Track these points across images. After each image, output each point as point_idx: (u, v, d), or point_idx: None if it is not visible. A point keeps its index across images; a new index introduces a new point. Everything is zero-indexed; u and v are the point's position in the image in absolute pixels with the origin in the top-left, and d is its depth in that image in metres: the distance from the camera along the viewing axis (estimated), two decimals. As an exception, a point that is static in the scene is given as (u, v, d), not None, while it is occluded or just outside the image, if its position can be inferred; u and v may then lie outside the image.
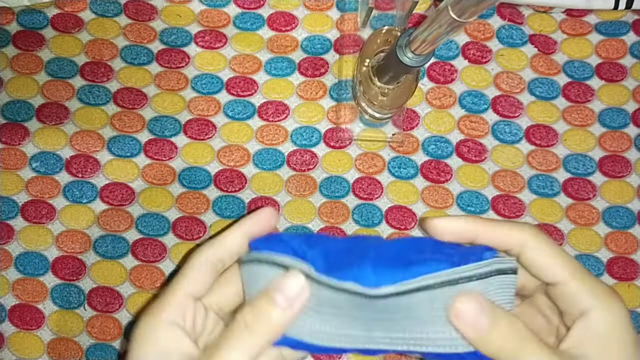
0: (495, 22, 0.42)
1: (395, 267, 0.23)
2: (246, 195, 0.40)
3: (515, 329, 0.23)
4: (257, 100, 0.41)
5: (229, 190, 0.40)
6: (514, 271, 0.24)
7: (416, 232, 0.40)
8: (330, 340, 0.24)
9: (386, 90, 0.35)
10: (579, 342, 0.23)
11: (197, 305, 0.25)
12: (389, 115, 0.38)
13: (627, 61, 0.41)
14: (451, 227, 0.26)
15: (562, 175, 0.40)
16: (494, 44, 0.42)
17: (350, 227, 0.40)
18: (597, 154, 0.41)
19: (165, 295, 0.25)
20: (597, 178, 0.40)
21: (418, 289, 0.23)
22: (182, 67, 0.41)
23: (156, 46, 0.41)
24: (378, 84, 0.35)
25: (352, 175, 0.40)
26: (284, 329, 0.23)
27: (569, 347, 0.24)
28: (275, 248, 0.25)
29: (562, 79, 0.41)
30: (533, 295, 0.27)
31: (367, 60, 0.35)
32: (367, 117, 0.38)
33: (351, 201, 0.40)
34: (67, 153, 0.40)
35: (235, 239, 0.26)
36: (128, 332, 0.39)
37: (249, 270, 0.25)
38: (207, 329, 0.26)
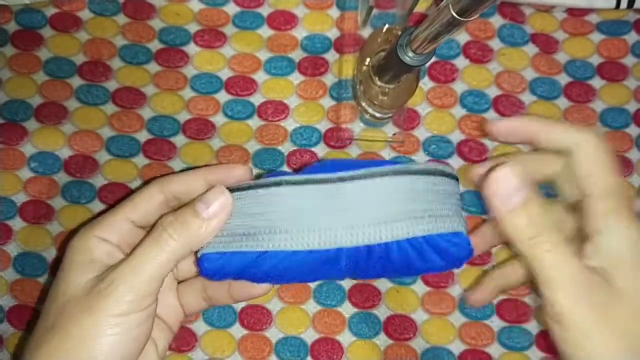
0: (497, 21, 0.41)
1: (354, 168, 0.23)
2: (246, 196, 0.40)
3: (542, 218, 0.23)
4: (256, 99, 0.41)
5: (228, 191, 0.40)
6: (456, 178, 0.24)
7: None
8: (275, 242, 0.23)
9: (387, 90, 0.35)
10: (596, 258, 0.23)
11: (136, 230, 0.25)
12: (390, 114, 0.37)
13: (629, 61, 0.41)
14: (513, 125, 0.26)
15: (563, 176, 0.40)
16: (495, 43, 0.41)
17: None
18: (599, 153, 0.41)
19: (108, 215, 0.25)
20: (599, 178, 0.40)
21: (370, 175, 0.23)
22: (181, 66, 0.41)
23: (155, 45, 0.41)
24: (378, 83, 0.34)
25: (352, 176, 0.40)
26: (201, 241, 0.23)
27: (588, 260, 0.23)
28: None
29: (563, 79, 0.41)
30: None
31: (368, 60, 0.35)
32: (367, 116, 0.38)
33: (351, 201, 0.40)
34: (65, 153, 0.40)
35: (199, 181, 0.26)
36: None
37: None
38: None
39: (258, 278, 0.24)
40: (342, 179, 0.23)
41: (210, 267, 0.24)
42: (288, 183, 0.23)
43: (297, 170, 0.26)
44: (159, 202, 0.26)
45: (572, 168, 0.24)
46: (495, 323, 0.39)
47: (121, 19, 0.41)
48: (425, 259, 0.23)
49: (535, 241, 0.23)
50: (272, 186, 0.23)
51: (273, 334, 0.39)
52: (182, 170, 0.34)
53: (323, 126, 0.41)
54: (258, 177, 0.29)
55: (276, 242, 0.22)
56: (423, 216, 0.23)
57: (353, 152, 0.40)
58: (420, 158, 0.40)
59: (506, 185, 0.22)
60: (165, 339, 0.28)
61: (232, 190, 0.24)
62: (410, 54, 0.29)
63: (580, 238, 0.25)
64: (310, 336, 0.39)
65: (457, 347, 0.38)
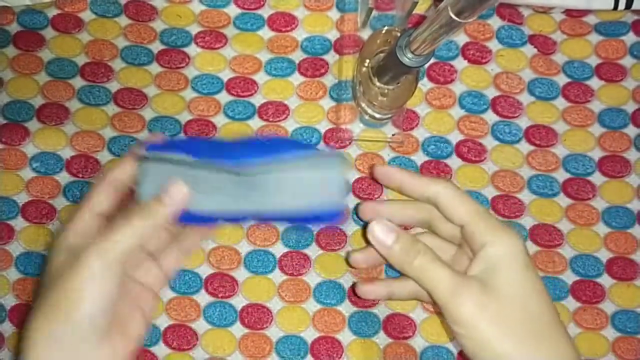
0: (495, 22, 0.42)
1: (255, 152, 0.30)
2: (246, 196, 0.40)
3: (414, 246, 0.30)
4: (257, 100, 0.41)
5: (229, 191, 0.40)
6: (342, 158, 0.32)
7: (417, 232, 0.40)
8: (206, 206, 0.31)
9: (386, 91, 0.35)
10: (476, 268, 0.29)
11: (101, 218, 0.31)
12: (389, 115, 0.38)
13: (627, 61, 0.41)
14: (389, 172, 0.34)
15: (561, 176, 0.41)
16: (493, 45, 0.42)
17: (350, 227, 0.40)
18: (597, 154, 0.41)
19: (75, 214, 0.31)
20: (597, 178, 0.41)
21: (279, 170, 0.30)
22: (182, 67, 0.41)
23: (156, 46, 0.41)
24: (378, 84, 0.35)
25: (352, 176, 0.40)
26: (166, 219, 0.30)
27: (469, 272, 0.30)
28: (166, 149, 0.31)
29: (561, 79, 0.41)
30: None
31: (367, 61, 0.35)
32: (367, 117, 0.38)
33: (351, 201, 0.40)
34: (67, 153, 0.40)
35: (133, 165, 0.32)
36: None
37: (144, 168, 0.31)
38: None
39: (204, 220, 0.32)
40: (259, 172, 0.30)
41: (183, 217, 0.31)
42: (218, 171, 0.30)
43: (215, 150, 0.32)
44: (110, 190, 0.32)
45: (441, 209, 0.31)
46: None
47: (123, 20, 0.41)
48: (307, 220, 0.33)
49: (414, 263, 0.30)
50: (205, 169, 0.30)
51: (273, 332, 0.39)
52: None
53: (323, 127, 0.41)
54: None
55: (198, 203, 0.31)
56: (315, 202, 0.31)
57: (353, 152, 0.40)
58: (420, 158, 0.40)
59: (379, 233, 0.31)
60: (150, 303, 0.32)
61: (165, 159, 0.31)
62: (410, 55, 0.29)
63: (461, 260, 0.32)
64: (310, 335, 0.39)
65: (456, 346, 0.39)
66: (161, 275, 0.33)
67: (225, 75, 0.41)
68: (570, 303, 0.39)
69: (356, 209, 0.35)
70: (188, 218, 0.31)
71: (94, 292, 0.27)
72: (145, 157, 0.31)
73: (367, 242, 0.32)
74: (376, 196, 0.40)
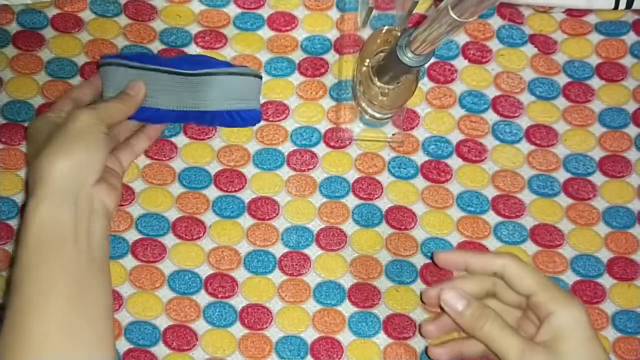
0: (496, 22, 0.42)
1: (193, 65, 0.38)
2: (246, 195, 0.40)
3: (484, 312, 0.33)
4: (257, 100, 0.41)
5: (228, 190, 0.40)
6: (259, 76, 0.40)
7: (417, 232, 0.40)
8: (157, 103, 0.38)
9: (386, 90, 0.35)
10: (543, 336, 0.31)
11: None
12: (389, 115, 0.38)
13: (627, 61, 0.41)
14: (450, 258, 0.36)
15: (562, 175, 0.40)
16: (494, 44, 0.42)
17: (350, 227, 0.40)
18: (597, 154, 0.41)
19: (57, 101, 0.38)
20: (597, 178, 0.40)
21: (212, 74, 0.38)
22: (182, 67, 0.41)
23: (156, 46, 0.41)
24: (378, 84, 0.35)
25: (352, 175, 0.40)
26: (134, 107, 0.37)
27: (536, 339, 0.32)
28: (123, 58, 0.38)
29: (562, 79, 0.41)
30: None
31: (367, 60, 0.35)
32: (367, 117, 0.38)
33: (351, 201, 0.40)
34: (67, 153, 0.40)
35: (92, 86, 0.39)
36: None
37: (105, 71, 0.38)
38: None
39: (156, 116, 0.39)
40: (197, 75, 0.38)
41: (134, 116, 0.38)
42: (167, 72, 0.38)
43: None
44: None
45: (507, 281, 0.33)
46: (495, 322, 0.39)
47: (123, 19, 0.41)
48: (234, 120, 0.39)
49: (484, 328, 0.32)
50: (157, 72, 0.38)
51: (273, 333, 0.39)
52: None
53: (323, 126, 0.41)
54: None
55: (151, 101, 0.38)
56: (239, 101, 0.39)
57: (353, 152, 0.40)
58: (420, 158, 0.40)
59: (451, 299, 0.33)
60: (114, 196, 0.35)
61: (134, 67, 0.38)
62: (410, 55, 0.29)
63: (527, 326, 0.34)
64: (310, 335, 0.39)
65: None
66: (120, 165, 0.38)
67: (225, 75, 0.41)
68: (571, 303, 0.39)
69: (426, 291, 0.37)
70: (143, 112, 0.38)
71: (88, 139, 0.32)
72: (106, 63, 0.37)
73: (441, 309, 0.34)
74: (376, 196, 0.40)
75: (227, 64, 0.40)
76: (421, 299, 0.39)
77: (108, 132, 0.34)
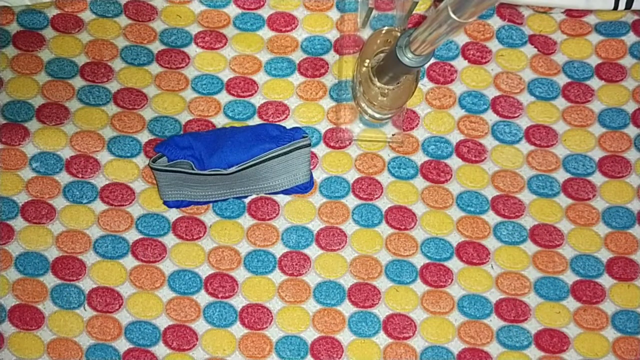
0: (495, 22, 0.42)
1: (241, 153, 0.38)
2: (246, 196, 0.40)
3: None
4: (257, 100, 0.41)
5: (229, 191, 0.40)
6: (308, 145, 0.39)
7: (416, 232, 0.40)
8: (201, 197, 0.39)
9: (386, 91, 0.35)
10: None
11: None
12: (389, 115, 0.38)
13: (627, 61, 0.41)
14: None
15: (561, 176, 0.40)
16: (493, 45, 0.42)
17: (350, 227, 0.40)
18: (597, 154, 0.41)
19: None
20: (597, 178, 0.40)
21: (256, 164, 0.38)
22: (183, 67, 0.41)
23: (156, 47, 0.41)
24: (378, 84, 0.35)
25: (352, 176, 0.40)
26: None
27: None
28: (169, 153, 0.38)
29: (561, 79, 0.41)
30: None
31: (367, 61, 0.35)
32: (367, 117, 0.38)
33: (351, 201, 0.40)
34: (67, 153, 0.40)
35: None
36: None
37: (156, 175, 0.39)
38: None
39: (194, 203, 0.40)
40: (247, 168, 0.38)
41: (169, 204, 0.40)
42: (210, 174, 0.38)
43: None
44: None
45: None
46: (494, 322, 0.39)
47: (123, 20, 0.41)
48: (287, 192, 0.40)
49: None
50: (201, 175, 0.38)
51: (273, 333, 0.39)
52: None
53: (323, 127, 0.41)
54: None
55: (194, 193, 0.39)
56: (290, 179, 0.39)
57: (353, 152, 0.40)
58: (420, 158, 0.40)
59: None
60: None
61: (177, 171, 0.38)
62: (410, 55, 0.29)
63: None
64: (310, 335, 0.39)
65: (456, 346, 0.39)
66: None
67: (225, 75, 0.41)
68: (571, 303, 0.39)
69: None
70: (181, 204, 0.39)
71: None
72: (155, 169, 0.38)
73: None
74: (376, 196, 0.40)
75: (276, 130, 0.39)
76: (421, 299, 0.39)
77: None
